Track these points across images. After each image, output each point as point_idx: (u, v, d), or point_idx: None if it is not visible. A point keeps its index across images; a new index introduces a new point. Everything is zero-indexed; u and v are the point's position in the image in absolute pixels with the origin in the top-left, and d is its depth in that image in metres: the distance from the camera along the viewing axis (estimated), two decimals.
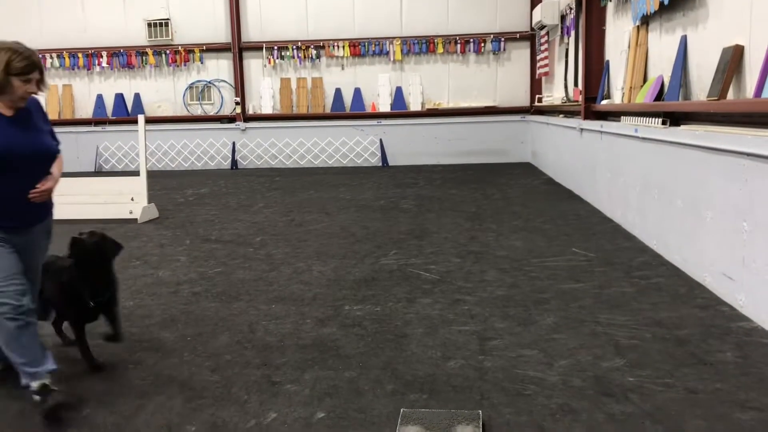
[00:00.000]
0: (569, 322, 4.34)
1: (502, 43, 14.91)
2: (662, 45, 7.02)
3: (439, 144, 15.05)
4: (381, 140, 15.22)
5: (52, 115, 15.19)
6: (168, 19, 15.46)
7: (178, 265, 6.19)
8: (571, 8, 10.86)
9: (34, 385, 3.24)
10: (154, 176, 11.50)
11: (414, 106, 15.20)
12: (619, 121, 7.91)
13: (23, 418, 3.25)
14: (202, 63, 15.63)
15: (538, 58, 14.23)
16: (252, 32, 15.41)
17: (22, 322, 3.20)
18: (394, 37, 15.04)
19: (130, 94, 15.89)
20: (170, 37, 15.49)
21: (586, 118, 9.34)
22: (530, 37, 14.85)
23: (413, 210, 8.93)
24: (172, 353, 3.94)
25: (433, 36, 14.97)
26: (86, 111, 16.04)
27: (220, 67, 15.69)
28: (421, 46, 15.03)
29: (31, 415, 3.24)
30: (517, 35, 14.90)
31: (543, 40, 13.53)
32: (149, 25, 15.45)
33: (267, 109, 15.55)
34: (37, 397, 3.24)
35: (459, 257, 6.19)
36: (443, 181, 11.93)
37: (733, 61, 5.14)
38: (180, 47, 15.48)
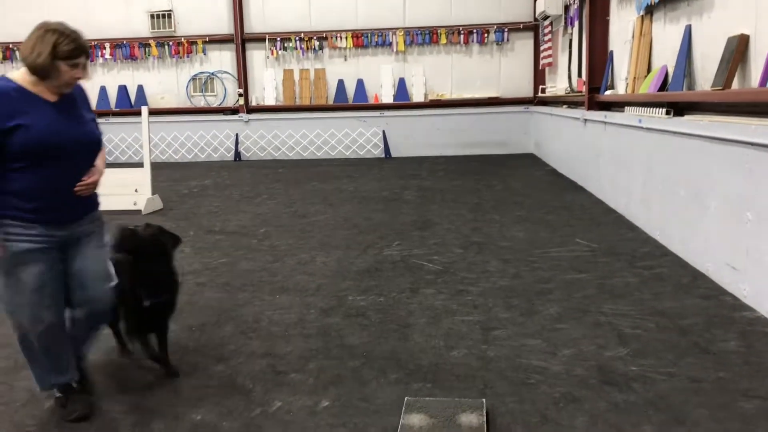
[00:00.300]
0: (572, 312, 4.35)
1: (506, 34, 14.84)
2: (666, 35, 6.99)
3: (442, 135, 15.01)
4: (384, 131, 15.20)
5: None
6: (171, 10, 15.42)
7: (182, 256, 6.19)
8: None
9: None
10: (157, 168, 11.53)
11: (417, 97, 15.15)
12: (623, 111, 7.89)
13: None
14: (205, 54, 15.60)
15: (541, 48, 14.17)
16: (255, 23, 15.37)
17: (42, 339, 3.08)
18: (396, 28, 14.98)
19: (134, 85, 15.89)
20: (173, 29, 15.46)
21: (589, 108, 9.31)
22: (534, 28, 14.77)
23: (416, 201, 8.93)
24: (176, 343, 3.95)
25: (436, 27, 14.90)
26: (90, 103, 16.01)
27: (223, 59, 15.66)
28: (424, 36, 14.96)
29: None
30: (521, 26, 14.83)
31: (546, 31, 13.47)
32: (152, 16, 15.41)
33: (270, 101, 15.52)
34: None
35: (462, 248, 6.19)
36: (446, 172, 11.92)
37: (738, 50, 5.11)
38: (183, 39, 15.44)
